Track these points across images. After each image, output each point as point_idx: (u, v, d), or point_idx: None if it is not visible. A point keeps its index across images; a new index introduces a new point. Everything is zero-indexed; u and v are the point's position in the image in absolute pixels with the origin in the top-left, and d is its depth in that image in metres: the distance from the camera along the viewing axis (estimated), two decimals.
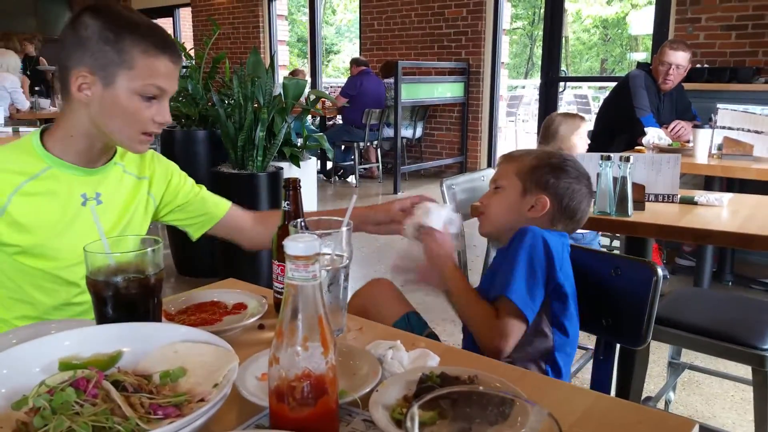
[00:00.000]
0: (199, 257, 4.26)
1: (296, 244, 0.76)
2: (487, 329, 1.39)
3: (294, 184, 1.28)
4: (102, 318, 1.02)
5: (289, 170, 3.96)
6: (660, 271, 1.47)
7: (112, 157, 1.50)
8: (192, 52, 4.37)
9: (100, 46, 1.31)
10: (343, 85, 8.37)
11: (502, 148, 8.77)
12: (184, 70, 4.40)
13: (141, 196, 1.55)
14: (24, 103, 7.61)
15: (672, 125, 4.20)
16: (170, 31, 12.31)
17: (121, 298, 1.01)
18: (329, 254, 1.17)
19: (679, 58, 4.19)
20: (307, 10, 10.46)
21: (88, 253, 1.01)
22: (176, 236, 4.36)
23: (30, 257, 1.39)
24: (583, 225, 1.59)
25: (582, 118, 3.46)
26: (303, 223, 1.18)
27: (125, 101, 1.34)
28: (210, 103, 4.09)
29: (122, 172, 1.53)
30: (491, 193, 1.62)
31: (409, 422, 0.57)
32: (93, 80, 1.33)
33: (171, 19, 12.47)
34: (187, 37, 11.86)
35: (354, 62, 8.18)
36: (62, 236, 1.39)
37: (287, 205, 1.28)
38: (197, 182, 1.78)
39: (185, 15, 12.13)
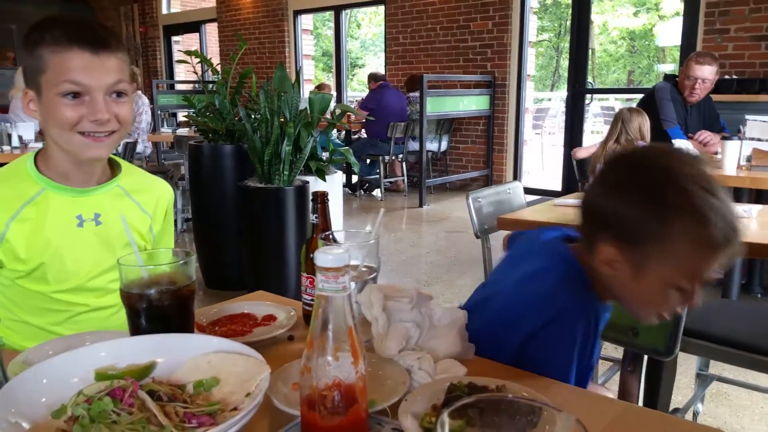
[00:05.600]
0: (228, 270, 4.31)
1: (326, 256, 0.77)
2: None
3: (322, 198, 1.30)
4: (136, 329, 1.05)
5: (315, 184, 3.99)
6: None
7: (112, 179, 1.47)
8: (219, 68, 4.44)
9: (27, 59, 1.29)
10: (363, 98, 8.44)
11: (528, 160, 8.74)
12: (211, 85, 4.47)
13: (144, 231, 1.52)
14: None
15: (698, 134, 4.16)
16: (196, 46, 12.48)
17: (155, 309, 1.03)
18: (357, 265, 1.19)
19: (706, 72, 4.14)
20: (332, 25, 10.56)
21: (122, 266, 1.03)
22: (204, 249, 4.41)
23: (31, 281, 1.39)
24: None
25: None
26: (331, 236, 1.20)
27: (50, 106, 1.29)
28: (237, 118, 4.15)
29: (123, 194, 1.49)
30: None
31: (439, 429, 0.58)
32: (32, 95, 1.32)
33: (198, 34, 12.65)
34: (213, 53, 12.03)
35: (372, 77, 8.29)
36: (60, 259, 1.39)
37: (315, 218, 1.30)
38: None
39: (211, 30, 12.31)
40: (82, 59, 1.27)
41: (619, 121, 3.96)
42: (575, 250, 1.22)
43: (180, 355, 0.98)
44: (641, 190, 1.07)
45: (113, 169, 1.51)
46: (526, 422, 0.63)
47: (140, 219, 1.52)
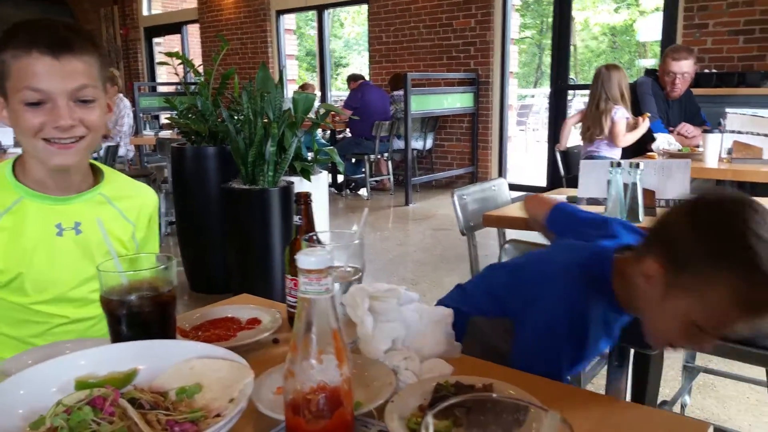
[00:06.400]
0: (213, 273, 4.28)
1: (308, 258, 0.76)
2: None
3: (305, 198, 1.29)
4: (117, 336, 1.03)
5: (300, 184, 3.97)
6: None
7: (93, 187, 1.43)
8: (201, 69, 4.41)
9: None
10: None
11: (513, 157, 8.76)
12: (193, 87, 4.43)
13: (126, 239, 1.48)
14: None
15: (679, 126, 4.20)
16: (178, 48, 12.39)
17: (135, 316, 1.01)
18: (342, 267, 1.18)
19: (684, 66, 4.18)
20: (315, 24, 10.52)
21: (102, 272, 1.01)
22: (189, 252, 4.38)
23: (9, 292, 1.34)
24: None
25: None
26: (315, 237, 1.19)
27: (16, 113, 1.26)
28: (220, 119, 4.11)
29: (105, 202, 1.44)
30: None
31: (423, 431, 0.57)
32: (2, 102, 1.29)
33: (179, 35, 12.57)
34: (195, 54, 11.95)
35: (351, 78, 8.38)
36: (39, 269, 1.35)
37: (299, 219, 1.28)
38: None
39: (193, 31, 12.22)
40: (41, 64, 1.23)
41: (598, 81, 4.14)
42: (620, 259, 1.25)
43: (162, 361, 0.96)
44: (713, 229, 1.08)
45: (96, 176, 1.47)
46: (512, 421, 0.63)
47: (122, 227, 1.47)
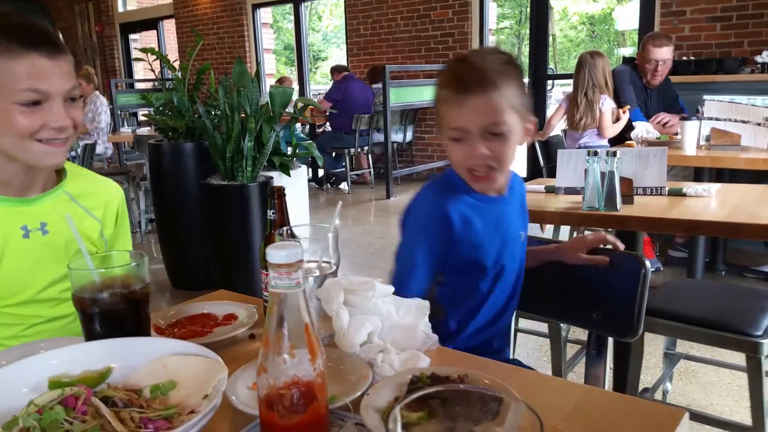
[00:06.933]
0: (194, 269, 4.25)
1: (278, 252, 0.75)
2: None
3: (279, 193, 1.28)
4: (90, 335, 1.02)
5: (279, 179, 3.95)
6: (648, 264, 1.47)
7: (56, 185, 1.41)
8: (177, 64, 4.36)
9: None
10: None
11: None
12: (169, 83, 4.39)
13: (94, 237, 1.45)
14: None
15: (656, 116, 4.23)
16: (154, 44, 12.27)
17: (108, 314, 1.00)
18: (316, 261, 1.17)
19: (664, 54, 4.21)
20: (292, 18, 10.46)
21: (73, 271, 1.00)
22: (169, 249, 4.35)
23: None
24: None
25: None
26: (289, 231, 1.18)
27: (4, 115, 1.22)
28: (196, 115, 4.08)
29: (69, 200, 1.42)
30: (497, 144, 1.40)
31: (391, 424, 0.56)
32: None
33: (155, 31, 12.44)
34: (171, 50, 11.84)
35: (335, 69, 8.31)
36: (7, 272, 1.32)
37: (272, 213, 1.27)
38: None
39: (169, 27, 12.11)
40: (40, 65, 1.22)
41: (584, 68, 4.13)
42: None
43: (136, 359, 0.95)
44: None
45: (59, 174, 1.44)
46: (486, 411, 0.63)
47: (90, 225, 1.45)
